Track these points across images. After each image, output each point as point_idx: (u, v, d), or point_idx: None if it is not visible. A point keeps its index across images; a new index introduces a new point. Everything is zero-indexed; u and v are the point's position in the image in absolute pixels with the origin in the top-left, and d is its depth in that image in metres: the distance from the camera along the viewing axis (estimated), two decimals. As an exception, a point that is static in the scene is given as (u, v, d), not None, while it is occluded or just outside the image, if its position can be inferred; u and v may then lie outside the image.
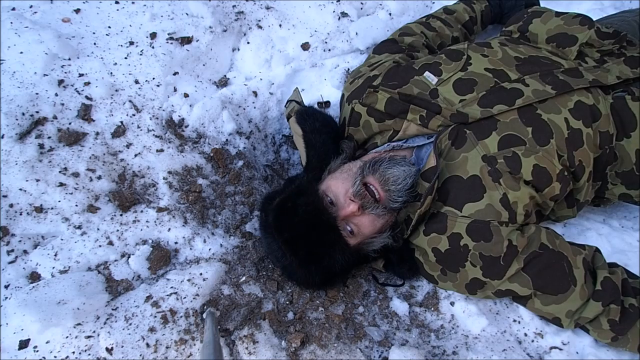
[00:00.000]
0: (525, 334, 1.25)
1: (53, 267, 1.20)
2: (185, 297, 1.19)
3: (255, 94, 1.69)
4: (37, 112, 1.35)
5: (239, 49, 1.78)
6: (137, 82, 1.53)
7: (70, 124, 1.39)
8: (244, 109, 1.67)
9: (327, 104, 1.75)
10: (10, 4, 1.57)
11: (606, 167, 1.33)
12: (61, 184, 1.30)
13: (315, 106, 1.70)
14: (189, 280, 1.22)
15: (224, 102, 1.60)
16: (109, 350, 1.08)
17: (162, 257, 1.28)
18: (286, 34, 1.80)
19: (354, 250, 1.25)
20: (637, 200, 1.37)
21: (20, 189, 1.26)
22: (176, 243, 1.32)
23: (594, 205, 1.52)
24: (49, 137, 1.34)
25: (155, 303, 1.17)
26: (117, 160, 1.40)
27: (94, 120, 1.43)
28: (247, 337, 1.16)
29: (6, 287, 1.16)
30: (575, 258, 1.22)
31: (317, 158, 1.36)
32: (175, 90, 1.59)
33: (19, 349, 1.06)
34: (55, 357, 1.06)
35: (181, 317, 1.16)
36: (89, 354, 1.08)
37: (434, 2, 2.01)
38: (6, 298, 1.13)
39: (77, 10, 1.62)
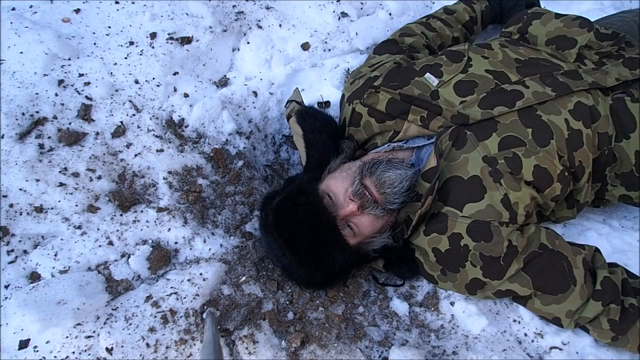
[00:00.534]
0: (525, 334, 1.25)
1: (53, 267, 1.20)
2: (185, 297, 1.19)
3: (255, 94, 1.69)
4: (37, 112, 1.35)
5: (239, 49, 1.78)
6: (137, 82, 1.53)
7: (70, 124, 1.39)
8: (244, 109, 1.67)
9: (327, 104, 1.75)
10: (10, 4, 1.57)
11: (605, 169, 1.33)
12: (61, 184, 1.30)
13: (315, 106, 1.70)
14: (189, 280, 1.22)
15: (224, 102, 1.60)
16: (109, 350, 1.08)
17: (162, 257, 1.28)
18: (286, 34, 1.80)
19: (353, 250, 1.25)
20: (637, 201, 1.37)
21: (20, 189, 1.26)
22: (176, 243, 1.32)
23: (593, 206, 1.53)
24: (49, 137, 1.34)
25: (155, 303, 1.17)
26: (117, 160, 1.40)
27: (94, 120, 1.43)
28: (247, 337, 1.16)
29: (6, 287, 1.16)
30: (575, 258, 1.22)
31: (317, 158, 1.37)
32: (175, 90, 1.59)
33: (19, 349, 1.06)
34: (55, 357, 1.06)
35: (181, 317, 1.16)
36: (89, 354, 1.08)
37: (434, 2, 2.01)
38: (6, 298, 1.13)
39: (77, 10, 1.62)
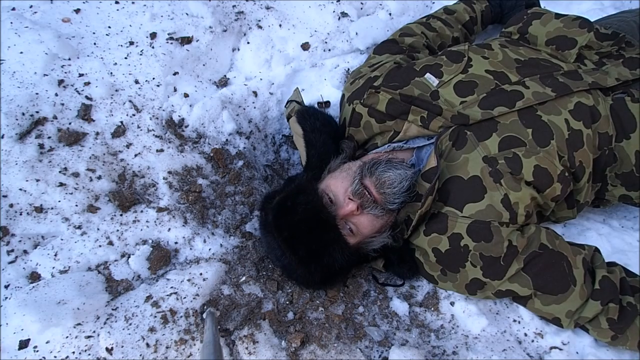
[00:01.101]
0: (525, 334, 1.25)
1: (53, 267, 1.20)
2: (185, 297, 1.19)
3: (255, 94, 1.69)
4: (37, 112, 1.35)
5: (239, 49, 1.78)
6: (137, 82, 1.53)
7: (70, 124, 1.39)
8: (244, 109, 1.67)
9: (327, 104, 1.75)
10: (10, 4, 1.57)
11: (606, 169, 1.33)
12: (61, 184, 1.30)
13: (316, 106, 1.70)
14: (189, 280, 1.22)
15: (224, 102, 1.60)
16: (109, 350, 1.08)
17: (162, 257, 1.28)
18: (286, 34, 1.80)
19: (353, 250, 1.25)
20: (637, 201, 1.37)
21: (20, 189, 1.26)
22: (176, 243, 1.32)
23: (593, 206, 1.53)
24: (49, 137, 1.34)
25: (155, 303, 1.17)
26: (117, 160, 1.40)
27: (94, 120, 1.43)
28: (247, 337, 1.16)
29: (6, 287, 1.16)
30: (575, 258, 1.22)
31: (317, 157, 1.37)
32: (175, 90, 1.59)
33: (19, 349, 1.06)
34: (55, 357, 1.06)
35: (181, 317, 1.16)
36: (89, 354, 1.08)
37: (434, 2, 2.01)
38: (6, 298, 1.13)
39: (77, 10, 1.62)
